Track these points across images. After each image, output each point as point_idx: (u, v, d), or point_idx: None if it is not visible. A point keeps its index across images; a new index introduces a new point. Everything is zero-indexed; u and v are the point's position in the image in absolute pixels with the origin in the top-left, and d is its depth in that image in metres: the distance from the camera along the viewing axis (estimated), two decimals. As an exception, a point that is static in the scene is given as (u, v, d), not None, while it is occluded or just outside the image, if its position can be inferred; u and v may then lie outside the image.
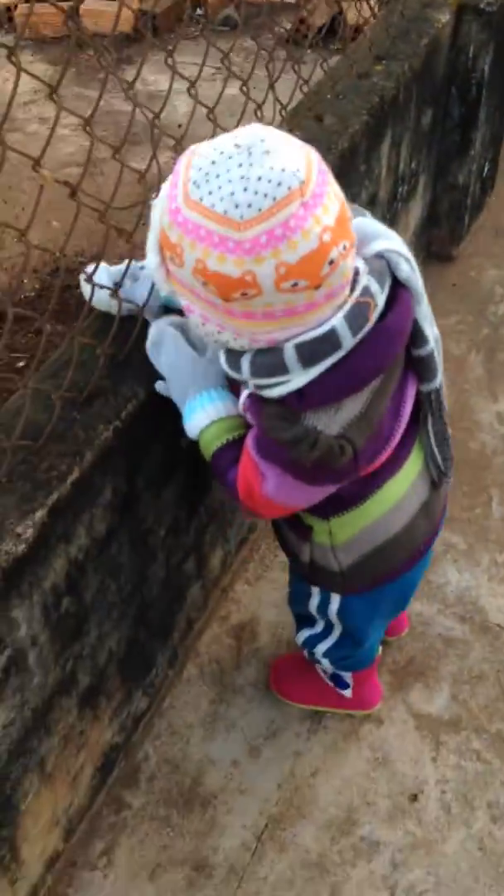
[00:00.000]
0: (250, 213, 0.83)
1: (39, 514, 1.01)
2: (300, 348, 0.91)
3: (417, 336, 1.03)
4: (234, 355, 0.98)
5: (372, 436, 0.99)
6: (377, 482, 1.12)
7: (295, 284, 0.85)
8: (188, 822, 1.49)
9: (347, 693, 1.55)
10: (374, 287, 0.93)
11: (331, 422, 0.95)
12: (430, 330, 1.05)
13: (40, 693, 1.15)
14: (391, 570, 1.25)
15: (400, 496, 1.17)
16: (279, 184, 0.82)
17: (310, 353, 0.91)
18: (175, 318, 1.14)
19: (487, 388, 2.23)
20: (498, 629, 1.73)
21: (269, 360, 0.94)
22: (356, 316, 0.92)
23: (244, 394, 1.03)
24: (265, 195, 0.82)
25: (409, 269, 0.98)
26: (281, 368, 0.93)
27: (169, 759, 1.56)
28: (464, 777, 1.52)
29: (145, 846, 1.46)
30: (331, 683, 1.55)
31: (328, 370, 0.93)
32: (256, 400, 1.00)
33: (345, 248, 0.87)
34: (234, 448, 1.09)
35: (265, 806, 1.50)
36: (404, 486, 1.16)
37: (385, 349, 0.96)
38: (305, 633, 1.46)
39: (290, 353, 0.92)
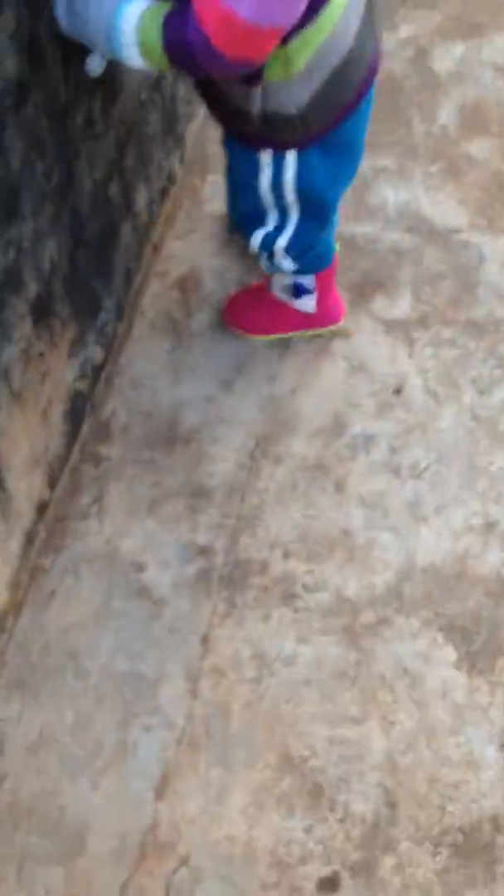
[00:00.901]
0: None
1: None
2: None
3: None
4: None
5: None
6: None
7: None
8: (174, 458, 1.40)
9: (310, 303, 1.45)
10: None
11: None
12: None
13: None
14: (351, 96, 1.11)
15: (345, 3, 1.02)
16: None
17: None
18: None
19: (388, 19, 2.05)
20: (446, 232, 1.65)
21: None
22: None
23: None
24: None
25: None
26: None
27: (139, 408, 1.44)
28: (443, 363, 1.48)
29: (135, 488, 1.36)
30: (290, 299, 1.45)
31: None
32: None
33: None
34: (178, 14, 0.92)
35: (250, 428, 1.43)
36: None
37: None
38: (260, 234, 1.30)
39: None
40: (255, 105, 1.08)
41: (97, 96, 1.22)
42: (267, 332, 1.51)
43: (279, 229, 1.28)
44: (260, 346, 1.51)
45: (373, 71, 1.14)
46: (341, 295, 1.53)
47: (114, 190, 1.36)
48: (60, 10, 1.01)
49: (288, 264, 1.34)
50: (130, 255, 1.49)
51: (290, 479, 1.37)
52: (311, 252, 1.34)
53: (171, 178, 1.66)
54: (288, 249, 1.31)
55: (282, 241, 1.30)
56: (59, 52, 1.07)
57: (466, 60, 1.93)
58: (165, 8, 0.96)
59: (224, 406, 1.44)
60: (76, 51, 1.12)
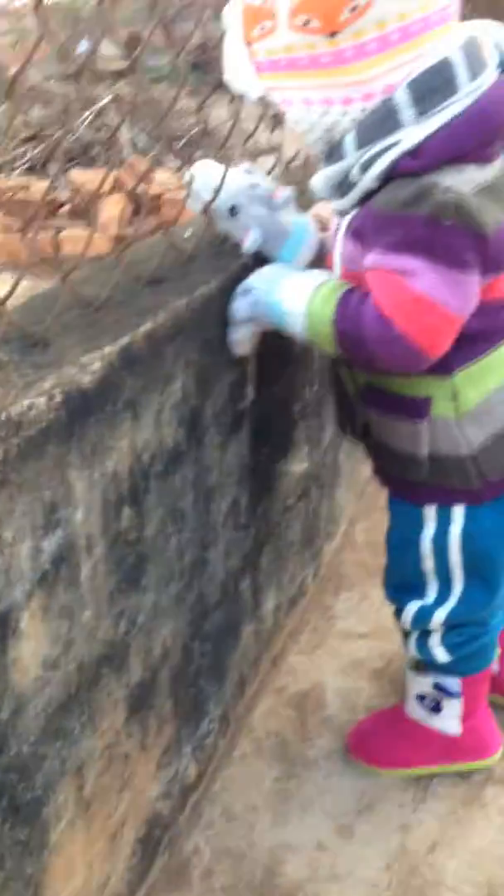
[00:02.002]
0: None
1: (109, 350, 0.87)
2: (413, 86, 0.87)
3: None
4: (337, 150, 0.93)
5: (499, 231, 0.90)
6: (499, 324, 1.01)
7: None
8: (267, 920, 1.12)
9: (454, 721, 1.26)
10: (488, 39, 0.91)
11: (456, 181, 0.87)
12: None
13: (88, 641, 0.91)
14: None
15: None
16: None
17: (424, 90, 0.87)
18: None
19: None
20: None
21: (378, 115, 0.89)
22: (471, 50, 0.88)
23: (345, 223, 0.97)
24: None
25: None
26: (392, 120, 0.88)
27: (229, 849, 1.21)
28: None
29: None
30: (429, 715, 1.27)
31: (447, 122, 0.87)
32: (364, 210, 0.92)
33: None
34: (353, 293, 0.98)
35: (374, 891, 1.15)
36: None
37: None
38: (415, 607, 1.20)
39: (401, 96, 0.87)
40: (423, 446, 1.07)
41: (245, 488, 1.26)
42: (401, 766, 1.30)
43: (439, 601, 1.18)
44: (391, 784, 1.29)
45: None
46: (498, 721, 1.33)
47: (244, 585, 1.33)
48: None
49: (441, 654, 1.21)
50: (247, 661, 1.40)
51: None
52: (474, 643, 1.20)
53: (302, 590, 1.63)
54: (449, 631, 1.19)
55: (441, 614, 1.18)
56: (217, 438, 1.13)
57: None
58: (344, 286, 1.00)
59: (340, 857, 1.19)
60: (234, 440, 1.20)
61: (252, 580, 1.36)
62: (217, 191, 1.06)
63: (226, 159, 1.12)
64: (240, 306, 1.06)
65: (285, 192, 1.08)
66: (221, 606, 1.24)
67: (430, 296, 0.91)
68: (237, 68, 0.95)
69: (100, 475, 0.88)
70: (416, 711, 1.31)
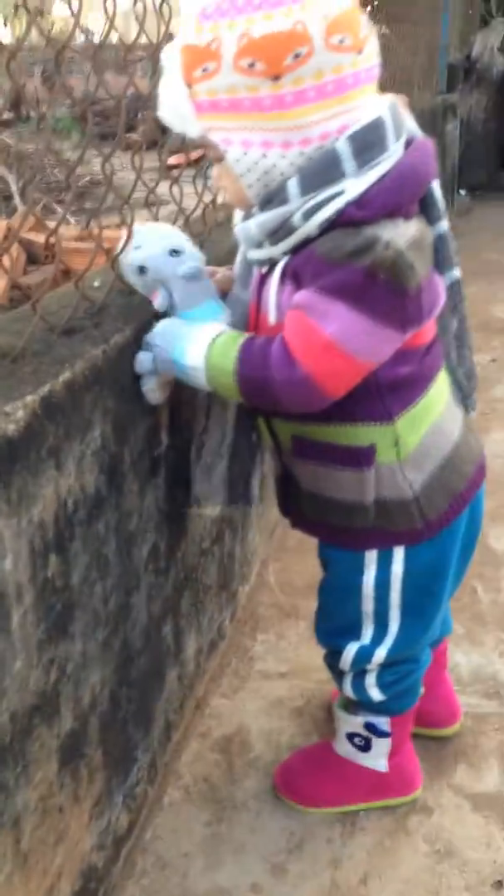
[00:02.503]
0: None
1: (31, 399, 0.91)
2: (353, 139, 0.95)
3: (431, 206, 1.06)
4: (277, 195, 0.98)
5: (428, 279, 0.99)
6: (430, 366, 1.10)
7: (342, 41, 0.92)
8: None
9: (382, 760, 1.32)
10: (397, 110, 1.01)
11: (394, 235, 0.94)
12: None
13: (21, 690, 0.93)
14: (464, 485, 1.17)
15: (447, 397, 1.16)
16: None
17: (363, 143, 0.95)
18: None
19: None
20: (529, 698, 1.59)
21: (322, 165, 0.95)
22: (394, 113, 0.98)
23: (277, 272, 1.02)
24: None
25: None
26: (336, 170, 0.95)
27: (165, 898, 1.23)
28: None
29: None
30: (358, 753, 1.33)
31: (381, 177, 0.96)
32: (305, 255, 0.98)
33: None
34: (254, 339, 1.05)
35: (310, 932, 1.19)
36: (446, 390, 1.15)
37: (427, 160, 1.01)
38: (353, 648, 1.24)
39: (343, 147, 0.95)
40: (369, 493, 1.11)
41: (164, 533, 1.30)
42: (329, 804, 1.35)
43: (377, 640, 1.23)
44: (319, 820, 1.34)
45: (482, 468, 1.21)
46: (418, 763, 1.41)
47: (166, 630, 1.37)
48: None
49: (376, 692, 1.26)
50: (172, 706, 1.43)
51: None
52: (405, 680, 1.27)
53: (220, 633, 1.67)
54: (384, 670, 1.24)
55: (380, 653, 1.23)
56: (136, 484, 1.17)
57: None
58: (244, 337, 1.05)
59: (274, 897, 1.23)
60: (151, 486, 1.24)
61: (174, 624, 1.40)
62: (132, 244, 1.13)
63: (127, 210, 1.18)
64: (143, 360, 1.11)
65: (192, 265, 1.12)
66: (146, 652, 1.28)
67: (340, 341, 0.97)
68: (175, 107, 0.99)
69: (27, 523, 0.92)
70: (345, 749, 1.36)
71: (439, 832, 1.32)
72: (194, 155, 1.58)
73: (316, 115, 0.95)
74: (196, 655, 1.53)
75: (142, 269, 1.13)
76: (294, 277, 1.01)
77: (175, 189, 1.43)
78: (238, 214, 1.11)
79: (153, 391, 1.16)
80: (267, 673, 1.66)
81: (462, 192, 5.00)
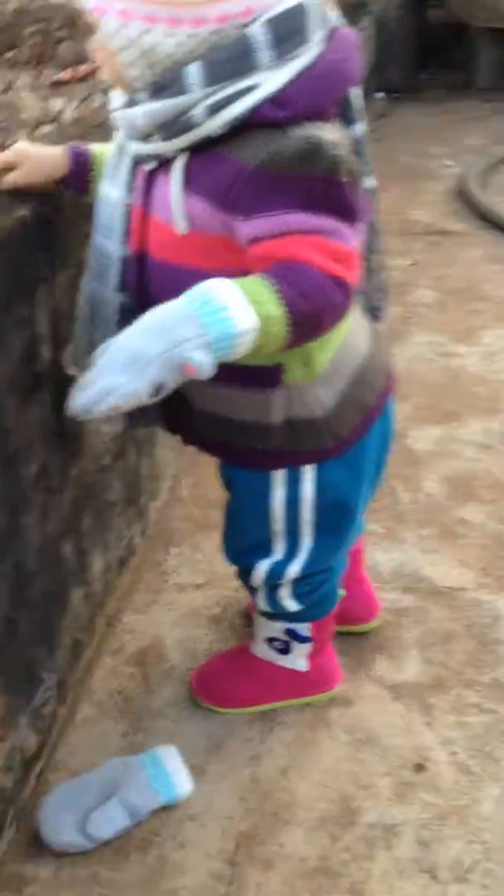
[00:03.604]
0: None
1: None
2: (272, 24, 0.89)
3: (348, 107, 1.02)
4: (174, 83, 0.91)
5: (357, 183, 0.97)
6: None
7: None
8: (126, 872, 1.17)
9: (302, 660, 1.37)
10: None
11: (335, 137, 0.92)
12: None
13: None
14: (375, 398, 1.18)
15: (355, 312, 1.15)
16: None
17: (282, 31, 0.89)
18: None
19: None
20: (450, 591, 1.65)
21: (231, 52, 0.89)
22: (315, 3, 0.92)
23: (177, 171, 0.96)
24: None
25: None
26: (248, 60, 0.89)
27: (79, 809, 1.26)
28: (472, 732, 1.35)
29: (69, 917, 1.12)
30: (278, 655, 1.37)
31: (301, 72, 0.91)
32: (227, 167, 0.92)
33: None
34: (286, 275, 0.93)
35: (229, 824, 1.23)
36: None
37: (353, 56, 0.96)
38: (265, 565, 1.24)
39: (258, 33, 0.89)
40: (276, 413, 1.10)
41: (55, 451, 1.29)
42: (247, 704, 1.39)
43: (290, 556, 1.24)
44: (238, 721, 1.38)
45: (391, 379, 1.23)
46: (338, 648, 1.46)
47: (67, 549, 1.37)
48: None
49: (291, 603, 1.29)
50: (79, 626, 1.44)
51: (286, 891, 1.14)
52: (320, 589, 1.29)
53: (131, 549, 1.69)
54: (297, 582, 1.26)
55: (293, 568, 1.24)
56: (13, 400, 1.15)
57: (445, 439, 2.14)
58: (254, 280, 0.93)
59: (194, 798, 1.26)
60: (35, 402, 1.23)
61: (75, 544, 1.40)
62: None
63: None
64: (203, 365, 0.90)
65: None
66: (44, 573, 1.28)
67: (356, 248, 0.97)
68: None
69: None
70: (264, 652, 1.40)
71: (360, 722, 1.38)
72: (83, 70, 1.53)
73: None
74: (104, 573, 1.54)
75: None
76: (218, 192, 0.95)
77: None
78: (117, 98, 1.04)
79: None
80: (182, 585, 1.68)
81: (379, 94, 4.97)
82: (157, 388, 0.91)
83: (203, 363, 0.89)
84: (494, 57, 5.54)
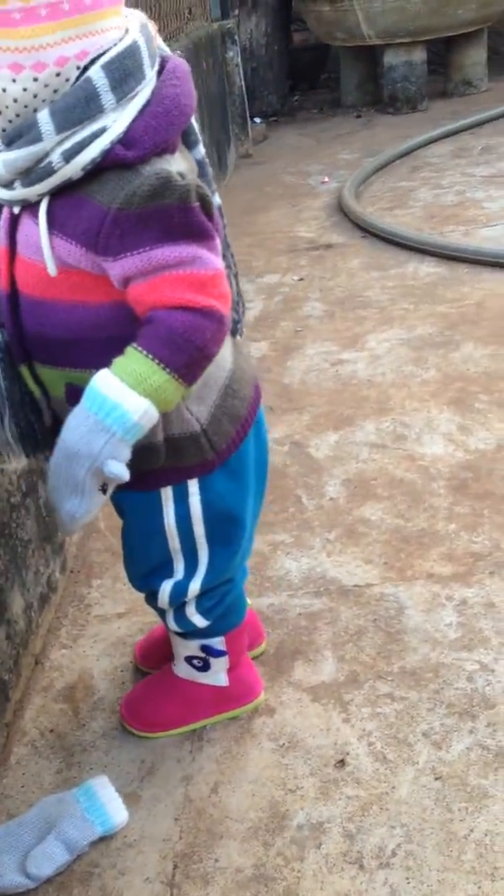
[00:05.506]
0: None
1: None
2: (109, 69, 0.90)
3: (188, 132, 1.04)
4: (27, 131, 0.92)
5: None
6: None
7: None
8: (70, 907, 1.15)
9: (221, 674, 1.36)
10: (148, 31, 0.97)
11: (179, 168, 0.94)
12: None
13: None
14: (246, 408, 1.19)
15: None
16: None
17: (120, 73, 0.91)
18: None
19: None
20: (357, 588, 1.66)
21: (77, 98, 0.90)
22: (147, 34, 0.94)
23: (43, 213, 0.96)
24: None
25: None
26: (93, 104, 0.91)
27: (20, 851, 1.23)
28: (386, 721, 1.36)
29: None
30: (198, 673, 1.37)
31: (143, 109, 0.93)
32: (91, 211, 0.94)
33: None
34: (152, 336, 0.97)
35: (166, 846, 1.21)
36: None
37: (188, 89, 0.97)
38: (168, 586, 1.24)
39: (98, 78, 0.90)
40: (157, 433, 1.10)
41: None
42: (175, 725, 1.38)
43: (189, 573, 1.23)
44: (168, 743, 1.37)
45: (257, 388, 1.24)
46: (258, 669, 1.46)
47: (-16, 590, 1.35)
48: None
49: (199, 619, 1.28)
50: (5, 666, 1.41)
51: (225, 903, 1.14)
52: (224, 601, 1.29)
53: (51, 586, 1.66)
54: (201, 597, 1.26)
55: (195, 585, 1.24)
56: None
57: (342, 444, 2.16)
58: (130, 356, 0.97)
59: (131, 825, 1.24)
60: None
61: (-10, 583, 1.38)
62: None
63: None
64: (115, 471, 0.98)
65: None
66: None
67: (218, 269, 0.98)
68: None
69: None
70: (185, 671, 1.39)
71: (282, 728, 1.38)
72: None
73: (50, 37, 0.89)
74: (25, 611, 1.52)
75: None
76: (76, 233, 0.96)
77: None
78: None
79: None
80: (105, 616, 1.66)
81: (257, 119, 5.01)
82: (104, 488, 1.00)
83: (120, 460, 0.98)
84: (357, 74, 5.64)
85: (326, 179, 4.22)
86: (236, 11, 4.87)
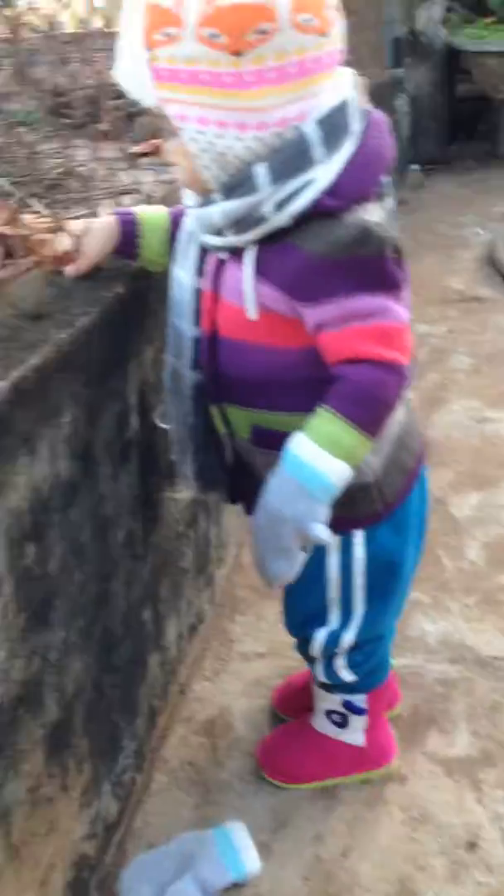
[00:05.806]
0: None
1: (1, 385, 0.90)
2: (322, 123, 0.94)
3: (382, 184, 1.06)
4: (244, 183, 0.95)
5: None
6: None
7: (308, 21, 0.90)
8: None
9: (359, 735, 1.35)
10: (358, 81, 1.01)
11: (375, 217, 0.96)
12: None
13: (5, 681, 0.93)
14: (414, 461, 1.19)
15: None
16: None
17: (331, 127, 0.94)
18: None
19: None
20: (495, 660, 1.63)
21: (290, 152, 0.93)
22: (356, 95, 0.97)
23: (249, 261, 1.00)
24: None
25: None
26: (306, 157, 0.94)
27: (155, 880, 1.24)
28: (522, 811, 1.33)
29: None
30: (337, 730, 1.36)
31: (348, 162, 0.95)
32: (294, 259, 0.97)
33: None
34: (341, 398, 1.01)
35: (295, 904, 1.21)
36: None
37: (387, 141, 1.00)
38: (322, 634, 1.24)
39: (312, 131, 0.93)
40: None
41: (139, 518, 1.30)
42: (310, 779, 1.38)
43: (344, 624, 1.23)
44: (301, 797, 1.37)
45: (424, 445, 1.24)
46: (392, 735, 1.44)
47: (146, 616, 1.37)
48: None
49: (347, 674, 1.28)
50: (156, 692, 1.43)
51: None
52: (373, 658, 1.28)
53: (200, 617, 1.68)
54: (352, 651, 1.26)
55: (348, 636, 1.24)
56: (109, 468, 1.17)
57: (484, 505, 2.12)
58: (323, 417, 1.01)
59: (262, 877, 1.24)
60: (124, 470, 1.24)
61: (153, 610, 1.41)
62: None
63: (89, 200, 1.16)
64: (291, 566, 1.05)
65: None
66: (127, 638, 1.28)
67: (405, 321, 1.00)
68: (133, 72, 0.94)
69: (4, 512, 0.91)
70: (323, 726, 1.38)
71: (414, 799, 1.36)
72: (157, 143, 1.55)
73: (275, 98, 0.92)
74: (177, 640, 1.54)
75: None
76: (278, 278, 0.99)
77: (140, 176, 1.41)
78: (189, 196, 1.08)
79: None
80: (246, 654, 1.67)
81: (414, 166, 5.00)
82: (305, 549, 1.05)
83: (321, 521, 1.02)
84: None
85: (481, 232, 4.18)
86: (407, 60, 4.88)
